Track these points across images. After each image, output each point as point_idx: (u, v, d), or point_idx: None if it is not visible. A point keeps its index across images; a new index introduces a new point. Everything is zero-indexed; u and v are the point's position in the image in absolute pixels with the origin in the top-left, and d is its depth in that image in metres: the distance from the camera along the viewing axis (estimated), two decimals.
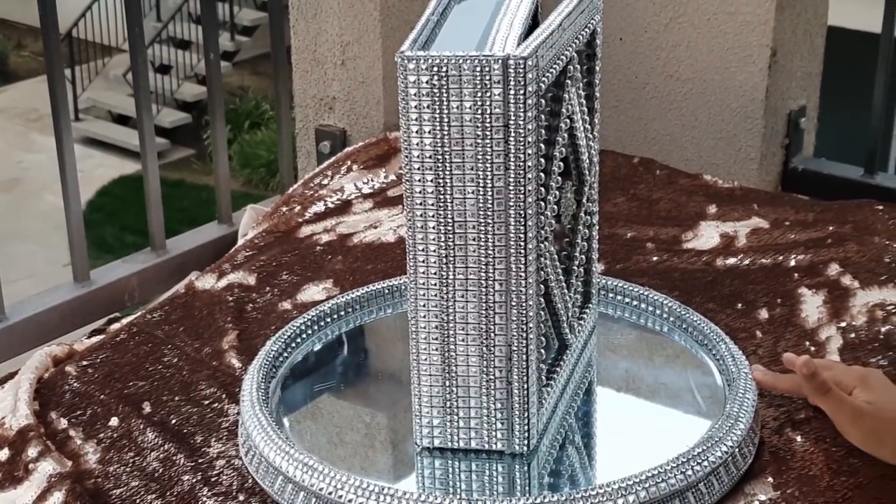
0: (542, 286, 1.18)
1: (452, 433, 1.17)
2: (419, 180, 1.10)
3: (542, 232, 1.15)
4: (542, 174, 1.14)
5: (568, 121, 1.22)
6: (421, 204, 1.10)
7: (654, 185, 1.79)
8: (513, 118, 1.07)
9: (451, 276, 1.12)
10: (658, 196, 1.76)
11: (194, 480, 1.18)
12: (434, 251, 1.12)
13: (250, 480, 1.18)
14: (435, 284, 1.13)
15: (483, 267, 1.11)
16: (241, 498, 1.16)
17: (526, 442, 1.16)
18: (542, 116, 1.13)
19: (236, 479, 1.19)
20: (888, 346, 1.36)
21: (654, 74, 2.05)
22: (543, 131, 1.13)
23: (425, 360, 1.15)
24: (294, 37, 2.08)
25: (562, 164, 1.21)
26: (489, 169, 1.08)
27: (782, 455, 1.18)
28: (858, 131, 2.05)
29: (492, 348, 1.14)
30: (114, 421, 1.28)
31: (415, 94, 1.07)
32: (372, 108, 2.03)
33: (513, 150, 1.08)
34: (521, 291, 1.11)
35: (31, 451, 1.21)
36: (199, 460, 1.21)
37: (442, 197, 1.10)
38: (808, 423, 1.21)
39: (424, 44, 1.12)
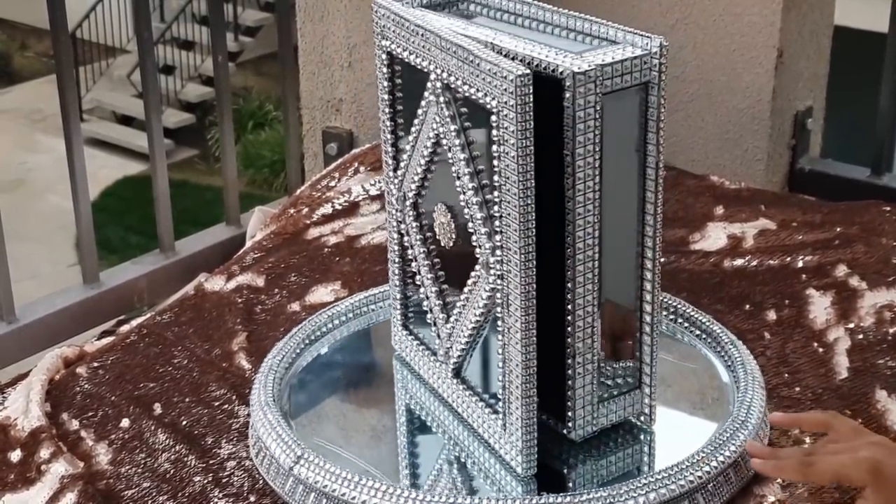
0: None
1: None
2: None
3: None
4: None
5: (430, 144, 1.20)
6: None
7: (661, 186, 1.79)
8: None
9: None
10: (665, 197, 1.74)
11: (205, 481, 1.19)
12: None
13: (261, 481, 1.19)
14: None
15: None
16: (252, 499, 1.17)
17: None
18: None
19: (247, 479, 1.20)
20: None
21: None
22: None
23: None
24: (301, 39, 2.09)
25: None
26: None
27: None
28: (865, 132, 2.05)
29: None
30: (125, 422, 1.28)
31: None
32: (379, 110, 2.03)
33: None
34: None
35: (44, 453, 1.22)
36: (210, 461, 1.22)
37: None
38: None
39: None
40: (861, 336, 1.39)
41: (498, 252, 1.11)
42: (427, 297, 1.27)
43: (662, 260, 1.57)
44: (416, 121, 1.21)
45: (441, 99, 1.15)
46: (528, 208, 1.07)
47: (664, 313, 1.40)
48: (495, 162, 1.08)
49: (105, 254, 6.25)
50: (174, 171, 8.02)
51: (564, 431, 1.19)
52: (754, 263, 1.55)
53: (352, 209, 1.76)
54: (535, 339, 1.11)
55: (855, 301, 1.45)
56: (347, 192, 1.80)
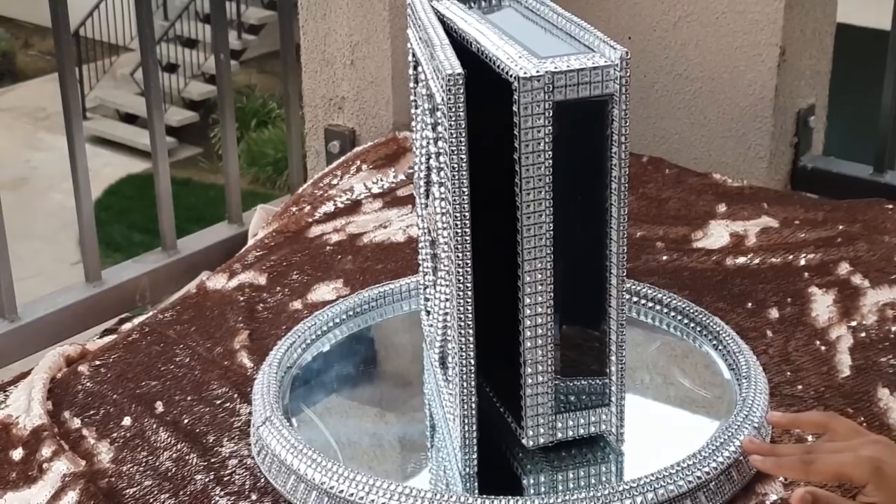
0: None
1: None
2: None
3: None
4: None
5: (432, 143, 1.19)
6: None
7: (664, 184, 1.80)
8: None
9: None
10: (667, 195, 1.76)
11: (207, 480, 1.19)
12: None
13: (262, 480, 1.19)
14: None
15: None
16: (254, 497, 1.17)
17: None
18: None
19: (249, 478, 1.20)
20: None
21: (662, 73, 2.05)
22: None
23: None
24: (303, 37, 2.09)
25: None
26: None
27: None
28: (868, 129, 2.04)
29: None
30: (127, 420, 1.28)
31: None
32: (381, 108, 2.03)
33: None
34: None
35: (45, 451, 1.22)
36: (212, 460, 1.22)
37: None
38: None
39: None
40: (863, 334, 1.38)
41: (446, 247, 1.11)
42: (427, 286, 1.28)
43: (665, 258, 1.58)
44: (418, 111, 1.21)
45: (424, 92, 1.15)
46: (464, 206, 1.07)
47: (667, 311, 1.40)
48: (441, 158, 1.08)
49: (109, 252, 6.27)
50: (178, 169, 8.06)
51: (521, 437, 1.18)
52: (756, 261, 1.55)
53: (354, 207, 1.76)
54: (472, 338, 1.10)
55: (857, 299, 1.45)
56: (349, 190, 1.80)
